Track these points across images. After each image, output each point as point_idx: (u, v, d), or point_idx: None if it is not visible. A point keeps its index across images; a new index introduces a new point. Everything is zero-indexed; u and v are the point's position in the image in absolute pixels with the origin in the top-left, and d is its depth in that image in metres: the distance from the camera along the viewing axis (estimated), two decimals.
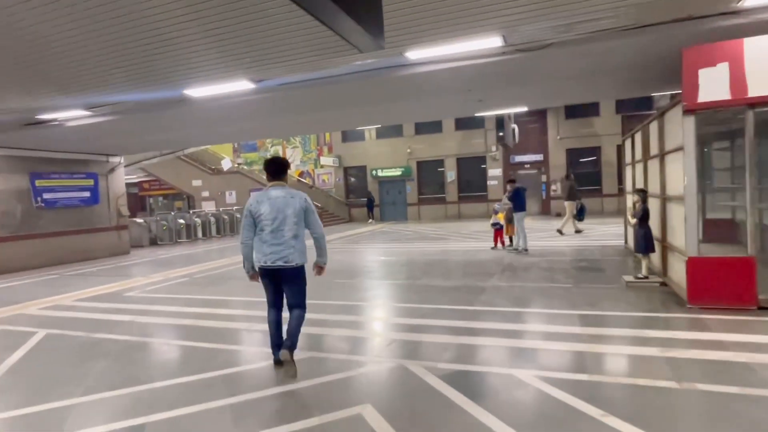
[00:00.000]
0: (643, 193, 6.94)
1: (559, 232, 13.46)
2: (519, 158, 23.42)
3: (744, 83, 5.20)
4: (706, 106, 5.31)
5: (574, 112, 22.15)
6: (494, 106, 11.92)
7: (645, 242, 6.87)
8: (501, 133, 17.56)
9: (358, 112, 10.82)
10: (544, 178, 22.97)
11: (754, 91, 5.16)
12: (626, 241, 10.80)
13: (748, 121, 5.28)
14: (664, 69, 7.07)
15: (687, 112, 5.43)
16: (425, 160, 25.08)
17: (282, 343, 4.11)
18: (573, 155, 22.40)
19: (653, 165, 7.52)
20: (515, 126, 16.42)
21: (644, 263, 6.97)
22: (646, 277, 6.95)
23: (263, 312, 4.59)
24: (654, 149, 7.30)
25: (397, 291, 7.79)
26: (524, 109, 13.32)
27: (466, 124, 23.61)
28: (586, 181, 22.13)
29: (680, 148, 5.81)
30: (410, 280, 8.40)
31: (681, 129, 5.52)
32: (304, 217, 4.09)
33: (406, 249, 13.10)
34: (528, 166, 23.44)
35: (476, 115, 15.00)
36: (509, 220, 11.76)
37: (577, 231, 13.76)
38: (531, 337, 5.04)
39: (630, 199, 8.61)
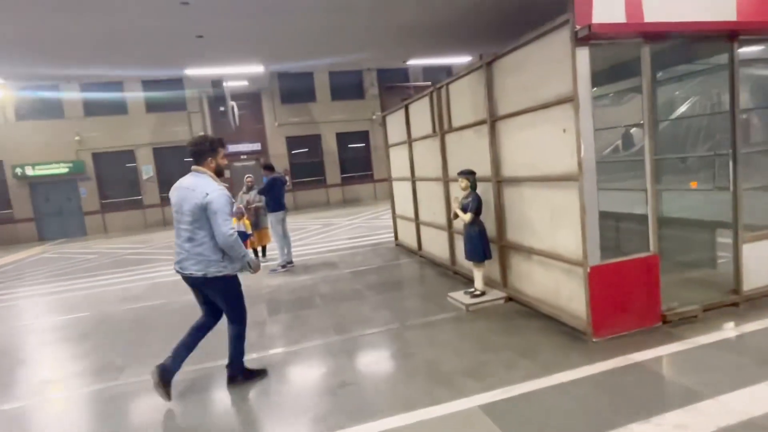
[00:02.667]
0: (472, 177, 4.89)
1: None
2: (235, 148, 19.88)
3: (640, 7, 3.54)
4: (601, 32, 3.41)
5: (290, 96, 20.10)
6: (213, 60, 8.22)
7: (483, 245, 4.86)
8: (222, 108, 13.68)
9: None
10: None
11: (650, 16, 3.55)
12: (397, 237, 9.09)
13: (645, 60, 3.69)
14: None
15: (581, 41, 3.44)
16: (105, 151, 18.51)
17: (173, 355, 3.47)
18: (293, 144, 20.43)
19: (462, 139, 5.64)
20: (234, 104, 12.96)
21: (480, 274, 4.98)
22: (483, 293, 4.98)
23: None
24: (468, 115, 5.39)
25: None
26: (259, 69, 10.00)
27: (162, 105, 18.44)
28: (307, 172, 20.58)
29: (549, 104, 3.85)
30: (104, 383, 4.12)
31: (550, 77, 3.54)
32: (206, 213, 3.25)
33: (87, 292, 8.01)
34: (245, 156, 20.20)
35: (187, 73, 10.74)
36: (256, 225, 8.39)
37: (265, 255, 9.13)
38: None
39: (444, 188, 6.48)
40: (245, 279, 7.54)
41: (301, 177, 20.52)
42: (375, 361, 3.92)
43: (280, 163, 20.04)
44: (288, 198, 19.99)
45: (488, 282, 5.18)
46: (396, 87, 9.39)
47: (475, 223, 4.82)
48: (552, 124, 3.90)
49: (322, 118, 20.47)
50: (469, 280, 5.77)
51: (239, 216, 7.99)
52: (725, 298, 4.15)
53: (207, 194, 3.22)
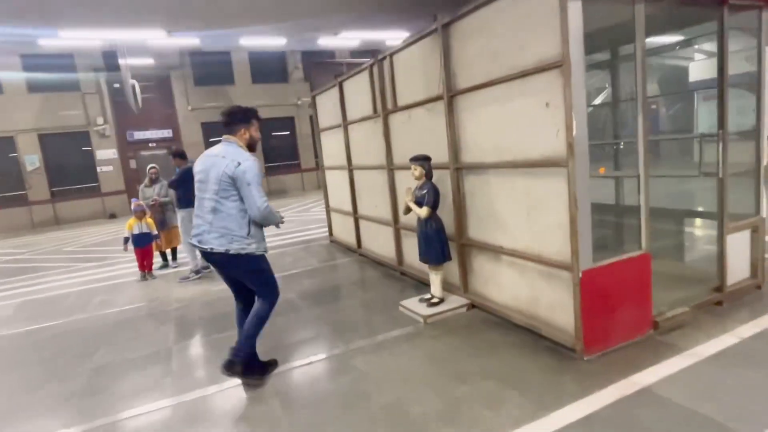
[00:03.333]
0: (427, 164, 4.09)
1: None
2: (141, 134, 17.67)
3: None
4: None
5: (205, 78, 18.19)
6: (97, 19, 6.69)
7: (441, 245, 4.10)
8: (117, 85, 11.73)
9: None
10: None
11: None
12: (331, 233, 8.14)
13: (639, 21, 3.07)
14: None
15: None
16: None
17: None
18: (211, 131, 18.57)
19: (410, 119, 4.82)
20: (135, 82, 11.14)
21: (438, 279, 4.22)
22: (441, 300, 4.24)
23: None
24: (418, 91, 4.57)
25: None
26: (161, 36, 8.44)
27: (49, 85, 15.80)
28: None
29: (527, 72, 3.14)
30: None
31: (529, 39, 2.82)
32: (237, 189, 2.98)
33: None
34: (154, 144, 18.04)
35: (62, 35, 8.90)
36: (163, 224, 7.05)
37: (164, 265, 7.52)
38: None
39: (397, 178, 5.63)
40: (149, 292, 6.09)
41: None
42: (316, 409, 2.99)
43: (196, 151, 18.07)
44: None
45: (445, 287, 4.44)
46: (326, 63, 8.35)
47: (432, 218, 4.04)
48: (530, 97, 3.18)
49: (242, 102, 18.64)
50: (421, 283, 5.02)
51: (140, 215, 6.64)
52: (711, 295, 3.73)
53: (239, 163, 2.98)
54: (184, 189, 6.41)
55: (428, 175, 4.09)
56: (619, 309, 3.16)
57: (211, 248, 3.03)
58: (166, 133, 18.08)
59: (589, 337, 3.05)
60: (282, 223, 3.35)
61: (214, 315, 4.89)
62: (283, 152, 19.81)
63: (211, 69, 18.10)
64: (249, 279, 3.21)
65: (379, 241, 6.12)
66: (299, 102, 19.63)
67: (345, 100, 6.38)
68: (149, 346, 4.20)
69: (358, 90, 5.86)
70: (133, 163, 17.76)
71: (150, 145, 17.95)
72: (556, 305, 3.30)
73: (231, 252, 3.01)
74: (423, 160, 4.08)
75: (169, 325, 4.74)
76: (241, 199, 2.99)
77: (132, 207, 6.76)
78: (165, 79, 17.78)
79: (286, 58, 19.51)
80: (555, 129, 2.99)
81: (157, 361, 3.86)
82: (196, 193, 3.20)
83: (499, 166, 3.61)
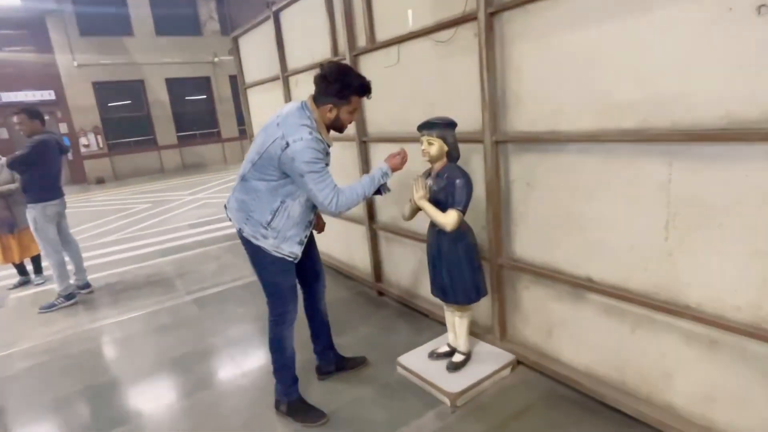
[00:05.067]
0: (451, 134, 2.35)
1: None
2: (10, 96, 14.07)
3: None
4: None
5: (94, 26, 14.73)
6: None
7: (474, 273, 2.43)
8: None
9: None
10: (65, 127, 14.81)
11: None
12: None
13: None
14: None
15: None
16: None
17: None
18: (106, 93, 15.27)
19: (401, 63, 3.02)
20: None
21: (465, 324, 2.57)
22: (468, 356, 2.62)
23: None
24: (418, 14, 2.78)
25: None
26: None
27: None
28: (129, 130, 15.73)
29: None
30: None
31: None
32: (283, 170, 2.12)
33: None
34: None
35: None
36: (10, 224, 4.75)
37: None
38: None
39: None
40: None
41: (121, 137, 15.61)
42: None
43: (89, 118, 14.90)
44: (103, 164, 15.14)
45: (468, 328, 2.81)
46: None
47: (461, 230, 2.35)
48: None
49: (144, 59, 15.59)
50: (413, 311, 3.37)
51: None
52: None
53: (287, 144, 2.04)
54: (38, 173, 4.17)
55: (452, 155, 2.36)
56: None
57: (238, 228, 2.29)
58: (47, 94, 14.58)
59: None
60: (387, 191, 2.41)
61: (88, 387, 2.92)
62: (199, 119, 16.93)
63: (101, 14, 14.68)
64: (258, 275, 2.39)
65: (346, 245, 4.35)
66: (216, 59, 16.75)
67: (284, 39, 4.40)
68: None
69: (307, 22, 3.91)
70: (3, 132, 14.21)
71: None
72: (722, 397, 1.79)
73: (243, 234, 2.27)
74: (444, 127, 2.33)
75: (5, 404, 2.72)
76: (279, 180, 2.15)
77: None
78: (39, 26, 14.16)
79: (197, 4, 16.43)
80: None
81: None
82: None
83: (604, 137, 1.97)
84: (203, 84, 17.11)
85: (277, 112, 2.21)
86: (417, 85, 2.92)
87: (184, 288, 4.55)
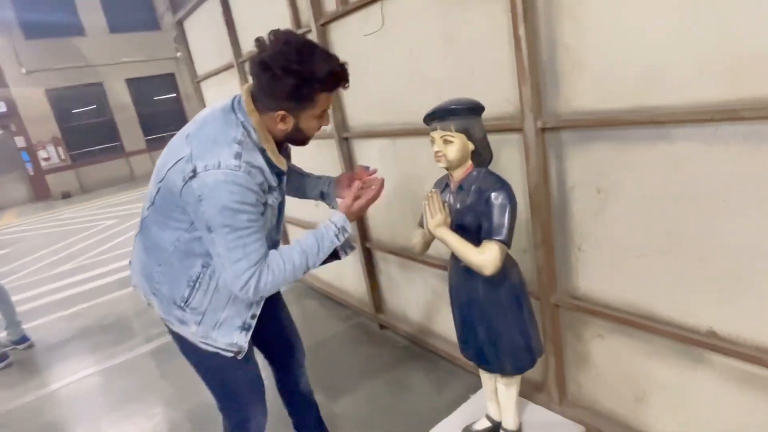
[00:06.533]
0: (478, 125, 1.54)
1: None
2: None
3: None
4: None
5: (39, 28, 13.46)
6: None
7: (523, 326, 1.64)
8: None
9: None
10: (21, 141, 13.65)
11: None
12: None
13: None
14: None
15: None
16: None
17: None
18: (62, 100, 14.09)
19: (389, 31, 2.18)
20: None
21: (514, 393, 1.81)
22: (495, 428, 1.86)
23: None
24: None
25: None
26: None
27: None
28: (93, 139, 14.61)
29: None
30: None
31: None
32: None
33: None
34: None
35: None
36: None
37: None
38: None
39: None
40: None
41: (84, 146, 14.49)
42: None
43: (46, 128, 13.74)
44: (68, 177, 13.99)
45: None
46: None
47: (504, 269, 1.54)
48: None
49: (100, 60, 14.38)
50: (426, 351, 2.60)
51: None
52: None
53: (194, 173, 1.21)
54: None
55: (480, 157, 1.54)
56: None
57: (133, 285, 1.53)
58: None
59: None
60: (349, 250, 1.59)
61: None
62: (167, 120, 15.77)
63: (46, 15, 13.42)
64: (197, 372, 1.53)
65: (335, 265, 3.55)
66: (179, 54, 15.56)
67: (235, 15, 3.51)
68: None
69: None
70: None
71: None
72: None
73: (166, 323, 1.45)
74: (468, 114, 1.49)
75: None
76: (194, 231, 1.29)
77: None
78: None
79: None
80: None
81: None
82: None
83: (749, 114, 1.17)
84: (168, 82, 15.97)
85: (183, 129, 1.37)
86: (413, 56, 2.09)
87: (143, 332, 3.72)
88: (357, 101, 2.59)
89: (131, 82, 15.02)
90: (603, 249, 1.64)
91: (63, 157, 14.02)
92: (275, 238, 1.52)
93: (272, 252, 1.32)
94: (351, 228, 1.45)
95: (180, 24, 4.48)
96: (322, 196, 1.72)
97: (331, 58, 1.27)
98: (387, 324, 2.99)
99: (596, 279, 1.70)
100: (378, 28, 2.19)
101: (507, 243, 1.46)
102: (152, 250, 1.37)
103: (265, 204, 1.32)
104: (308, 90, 1.25)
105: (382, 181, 1.52)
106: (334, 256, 1.50)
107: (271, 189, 1.33)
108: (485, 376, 1.87)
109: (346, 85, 1.34)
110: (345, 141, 2.74)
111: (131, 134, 15.17)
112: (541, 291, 1.83)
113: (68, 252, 6.99)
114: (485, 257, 1.44)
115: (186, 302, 1.36)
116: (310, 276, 3.87)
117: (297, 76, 1.22)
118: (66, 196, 13.82)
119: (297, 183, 1.71)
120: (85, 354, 3.55)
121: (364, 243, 2.92)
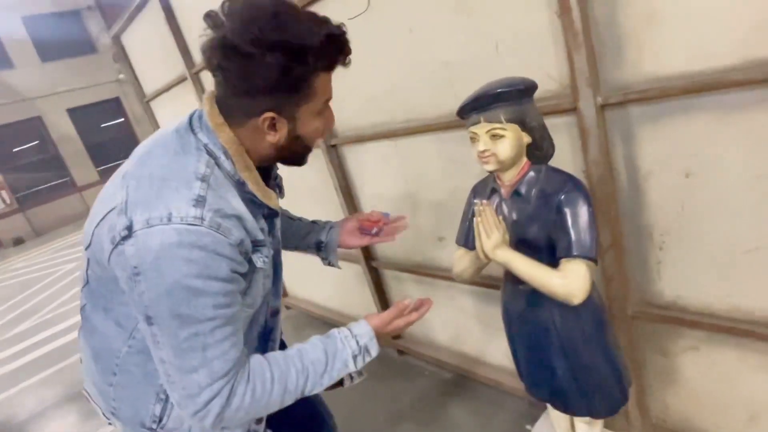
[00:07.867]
0: (533, 111, 1.19)
1: None
2: None
3: None
4: None
5: None
6: None
7: (612, 361, 1.30)
8: None
9: None
10: None
11: None
12: None
13: None
14: None
15: None
16: None
17: None
18: (5, 140, 13.04)
19: (376, 12, 1.80)
20: None
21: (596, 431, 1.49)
22: None
23: None
24: None
25: None
26: None
27: None
28: (41, 177, 13.63)
29: None
30: None
31: None
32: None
33: None
34: None
35: None
36: None
37: None
38: None
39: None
40: None
41: (31, 186, 13.49)
42: None
43: None
44: (17, 222, 12.95)
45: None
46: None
47: (589, 300, 1.20)
48: None
49: (34, 92, 13.36)
50: (461, 378, 2.25)
51: None
52: None
53: (129, 231, 0.78)
54: None
55: (540, 150, 1.20)
56: None
57: (87, 394, 1.12)
58: None
59: None
60: (358, 378, 1.12)
61: None
62: (119, 146, 14.85)
63: None
64: None
65: (337, 288, 3.15)
66: (121, 76, 14.63)
67: (179, 19, 3.05)
68: None
69: None
70: None
71: None
72: None
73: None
74: (520, 98, 1.15)
75: None
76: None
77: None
78: None
79: (82, 18, 14.22)
80: None
81: None
82: None
83: None
84: (114, 107, 15.05)
85: (115, 176, 0.95)
86: (413, 36, 1.72)
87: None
88: (344, 101, 2.19)
89: (73, 112, 14.05)
90: (694, 245, 1.32)
91: (8, 201, 12.98)
92: (274, 305, 1.13)
93: (255, 358, 0.90)
94: (377, 351, 1.04)
95: (117, 39, 3.95)
96: (319, 248, 1.32)
97: (319, 20, 0.87)
98: (408, 350, 2.63)
99: (686, 282, 1.38)
100: (364, 9, 1.81)
101: (595, 260, 1.12)
102: (101, 356, 0.96)
103: (250, 271, 0.91)
104: (302, 69, 0.84)
105: (431, 302, 1.10)
106: (338, 384, 1.07)
107: (257, 246, 0.91)
108: (555, 412, 1.55)
109: (348, 59, 0.93)
110: (333, 149, 2.35)
111: (81, 167, 14.22)
112: (613, 303, 1.50)
113: (28, 306, 6.32)
114: (571, 283, 1.10)
115: (159, 423, 0.96)
116: (308, 303, 3.47)
117: (282, 50, 0.80)
118: (18, 242, 12.83)
119: (282, 229, 1.28)
120: None
121: (370, 262, 2.54)
